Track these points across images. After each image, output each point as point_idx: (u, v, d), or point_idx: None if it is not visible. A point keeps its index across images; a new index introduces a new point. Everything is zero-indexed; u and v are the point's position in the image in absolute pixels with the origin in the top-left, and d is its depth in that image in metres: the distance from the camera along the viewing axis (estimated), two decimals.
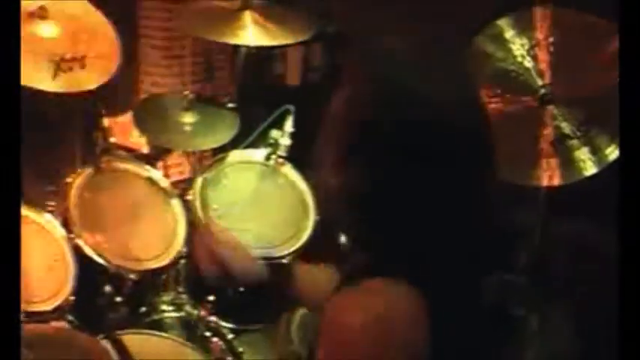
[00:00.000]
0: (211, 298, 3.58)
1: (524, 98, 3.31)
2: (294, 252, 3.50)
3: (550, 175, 3.26)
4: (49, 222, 3.39)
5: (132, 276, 3.41)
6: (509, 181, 3.26)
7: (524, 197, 3.37)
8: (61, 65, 3.39)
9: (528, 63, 3.33)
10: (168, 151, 4.05)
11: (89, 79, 3.46)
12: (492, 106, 3.30)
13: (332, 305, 1.81)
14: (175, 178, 4.01)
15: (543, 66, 3.32)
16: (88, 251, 3.35)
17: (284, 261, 3.46)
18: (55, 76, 3.37)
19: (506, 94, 3.32)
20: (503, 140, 3.20)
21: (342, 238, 1.89)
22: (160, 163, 3.98)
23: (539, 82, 3.31)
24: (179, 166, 4.16)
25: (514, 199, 3.62)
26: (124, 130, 4.00)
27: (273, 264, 3.43)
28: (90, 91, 3.48)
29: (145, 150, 4.10)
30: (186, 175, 4.04)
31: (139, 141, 4.11)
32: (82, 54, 3.46)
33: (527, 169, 3.26)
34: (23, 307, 2.94)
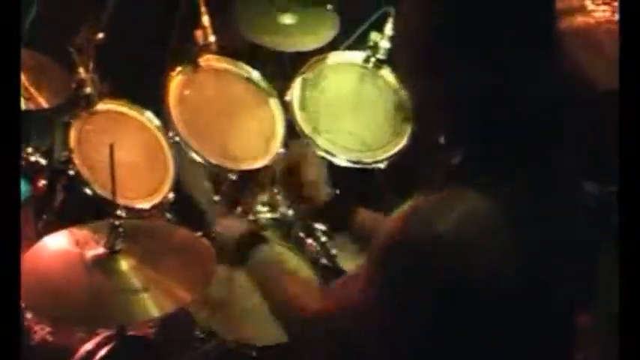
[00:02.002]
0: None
1: None
2: (391, 156, 3.48)
3: None
4: (150, 119, 3.41)
5: (230, 175, 3.43)
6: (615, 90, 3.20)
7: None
8: None
9: None
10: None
11: None
12: (601, 14, 3.22)
13: (396, 222, 1.76)
14: None
15: None
16: (187, 149, 3.36)
17: (380, 166, 3.45)
18: None
19: (615, 3, 3.23)
20: (611, 49, 3.18)
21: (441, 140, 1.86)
22: None
23: None
24: None
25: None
26: None
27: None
28: None
29: None
30: None
31: None
32: None
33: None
34: (123, 202, 2.96)
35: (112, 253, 2.52)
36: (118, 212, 2.64)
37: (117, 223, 2.52)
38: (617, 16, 3.23)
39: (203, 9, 3.58)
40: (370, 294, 1.78)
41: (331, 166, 3.45)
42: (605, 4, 3.25)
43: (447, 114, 1.79)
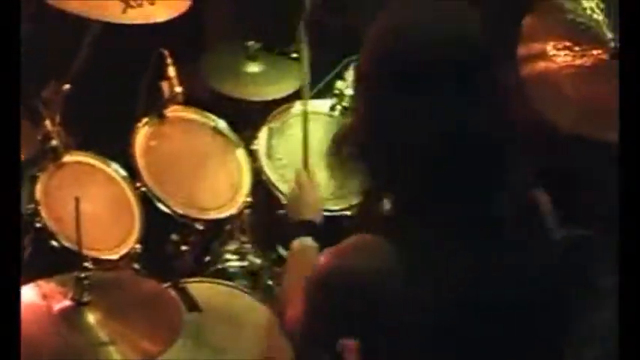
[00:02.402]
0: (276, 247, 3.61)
1: (595, 51, 3.26)
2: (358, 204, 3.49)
3: None
4: (116, 171, 3.41)
5: (198, 225, 3.43)
6: (583, 135, 3.24)
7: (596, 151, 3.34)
8: (130, 2, 3.39)
9: (598, 16, 3.27)
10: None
11: (158, 13, 3.45)
12: (563, 58, 3.26)
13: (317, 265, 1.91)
14: None
15: (613, 18, 3.26)
16: (154, 200, 3.37)
17: (348, 213, 3.46)
18: (124, 10, 3.38)
19: (576, 47, 3.27)
20: (574, 93, 3.22)
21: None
22: None
23: (610, 36, 3.25)
24: None
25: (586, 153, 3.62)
26: None
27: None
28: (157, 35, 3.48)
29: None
30: None
31: None
32: None
33: (599, 123, 3.21)
34: (90, 254, 2.96)
35: (78, 306, 2.51)
36: (85, 264, 2.64)
37: (83, 275, 2.52)
38: (579, 61, 3.27)
39: (168, 60, 3.59)
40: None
41: None
42: (566, 48, 3.29)
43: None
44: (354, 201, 3.44)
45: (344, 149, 1.92)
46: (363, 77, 1.92)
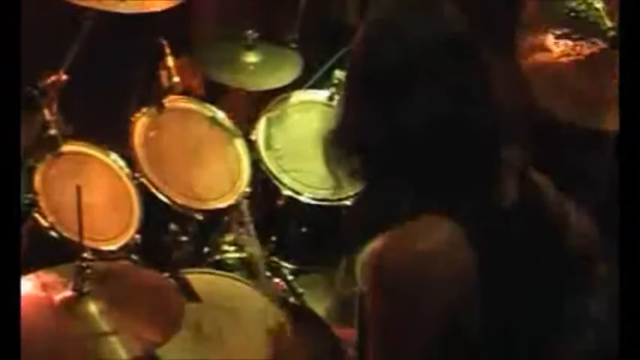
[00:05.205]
0: (273, 238, 3.61)
1: (594, 40, 3.25)
2: (357, 193, 3.48)
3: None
4: (115, 161, 3.40)
5: (196, 215, 3.42)
6: (580, 124, 3.24)
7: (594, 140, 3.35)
8: None
9: (598, 3, 3.27)
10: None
11: (156, 3, 3.44)
12: (562, 47, 3.26)
13: (372, 249, 1.84)
14: None
15: (613, 7, 3.26)
16: (153, 190, 3.36)
17: (347, 203, 3.46)
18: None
19: (575, 36, 3.27)
20: (572, 82, 3.22)
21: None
22: None
23: (609, 24, 3.24)
24: None
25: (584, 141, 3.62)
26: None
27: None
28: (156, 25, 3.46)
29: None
30: None
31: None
32: None
33: (597, 113, 3.21)
34: (89, 245, 2.94)
35: (80, 296, 2.50)
36: (85, 255, 2.62)
37: (84, 265, 2.51)
38: (578, 50, 3.26)
39: (167, 50, 3.58)
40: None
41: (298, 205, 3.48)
42: (565, 36, 3.28)
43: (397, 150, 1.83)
44: (352, 191, 3.44)
45: (336, 150, 1.91)
46: (351, 78, 1.94)
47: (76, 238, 2.54)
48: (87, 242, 2.63)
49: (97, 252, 3.09)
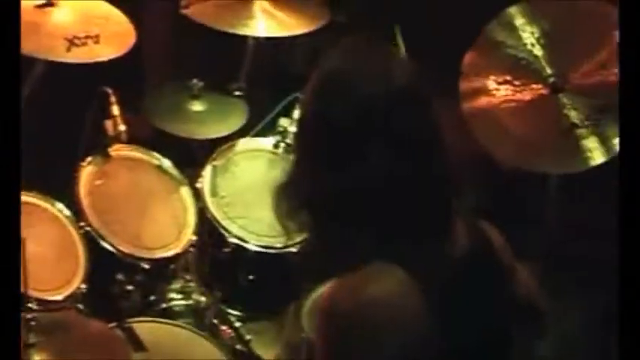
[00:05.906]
0: (220, 285, 3.60)
1: (534, 86, 3.31)
2: (302, 241, 3.49)
3: (560, 163, 3.27)
4: (61, 210, 3.38)
5: (143, 264, 3.41)
6: (521, 168, 3.29)
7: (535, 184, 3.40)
8: (74, 41, 3.40)
9: (538, 51, 3.33)
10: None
11: (103, 52, 3.47)
12: (503, 93, 3.31)
13: (325, 294, 1.84)
14: None
15: (553, 54, 3.32)
16: (100, 240, 3.35)
17: (294, 250, 3.47)
18: (68, 49, 3.38)
19: (516, 82, 3.33)
20: (514, 127, 3.27)
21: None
22: None
23: (549, 71, 3.31)
24: None
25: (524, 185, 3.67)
26: None
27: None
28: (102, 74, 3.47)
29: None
30: None
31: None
32: (96, 33, 3.48)
33: (537, 156, 3.26)
34: (34, 295, 2.92)
35: (25, 348, 2.49)
36: (30, 305, 2.61)
37: (29, 316, 2.49)
38: (519, 96, 3.32)
39: (112, 99, 3.58)
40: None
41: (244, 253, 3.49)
42: (506, 82, 3.34)
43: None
44: (299, 238, 3.45)
45: (285, 202, 1.92)
46: (300, 131, 1.95)
47: (20, 289, 2.53)
48: (32, 292, 2.63)
49: (42, 302, 3.06)
